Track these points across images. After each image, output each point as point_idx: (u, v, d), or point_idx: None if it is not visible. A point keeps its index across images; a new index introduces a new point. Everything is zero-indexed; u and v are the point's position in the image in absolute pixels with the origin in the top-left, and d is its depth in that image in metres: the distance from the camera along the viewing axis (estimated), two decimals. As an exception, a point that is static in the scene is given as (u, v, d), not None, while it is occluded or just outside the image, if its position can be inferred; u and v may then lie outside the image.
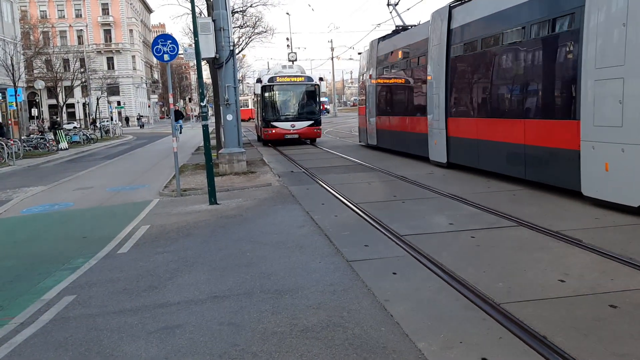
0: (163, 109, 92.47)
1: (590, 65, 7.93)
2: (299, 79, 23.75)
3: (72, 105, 61.18)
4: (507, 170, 10.72)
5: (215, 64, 14.32)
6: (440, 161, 13.59)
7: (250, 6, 24.31)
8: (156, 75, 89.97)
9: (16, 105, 28.14)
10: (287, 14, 76.11)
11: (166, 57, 11.08)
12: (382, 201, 9.68)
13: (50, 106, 61.19)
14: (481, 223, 7.40)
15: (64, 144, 28.83)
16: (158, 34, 15.44)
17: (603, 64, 7.69)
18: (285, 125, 23.05)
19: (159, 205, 10.51)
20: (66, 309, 5.10)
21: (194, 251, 6.88)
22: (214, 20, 13.64)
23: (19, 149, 24.46)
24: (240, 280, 5.58)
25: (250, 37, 27.97)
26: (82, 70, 49.43)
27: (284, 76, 23.79)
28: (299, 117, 23.34)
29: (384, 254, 6.28)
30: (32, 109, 41.64)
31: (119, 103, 63.36)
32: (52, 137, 28.99)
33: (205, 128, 10.91)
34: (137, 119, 66.08)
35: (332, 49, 60.69)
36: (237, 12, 22.92)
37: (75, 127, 43.33)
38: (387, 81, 18.23)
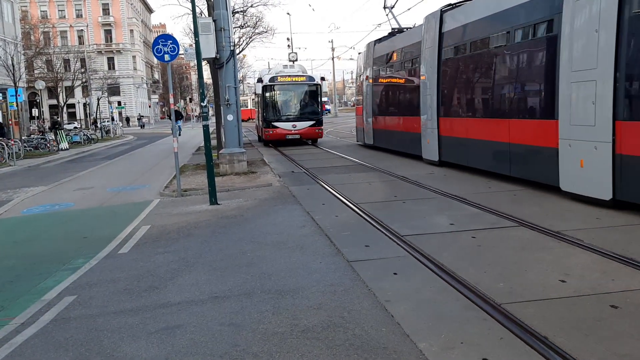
0: (164, 109, 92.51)
1: (567, 68, 8.38)
2: (301, 79, 23.48)
3: (72, 106, 61.12)
4: (493, 168, 11.15)
5: (216, 64, 14.32)
6: (433, 159, 13.89)
7: (251, 6, 24.32)
8: (157, 76, 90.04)
9: (17, 106, 28.12)
10: (288, 14, 76.47)
11: (167, 57, 11.11)
12: (382, 201, 9.67)
13: (51, 106, 61.16)
14: (482, 223, 7.40)
15: (64, 144, 28.84)
16: (159, 34, 15.42)
17: (578, 67, 8.13)
18: (287, 125, 22.85)
19: (159, 205, 10.51)
20: (67, 309, 5.10)
21: (195, 251, 6.88)
22: (214, 21, 13.66)
23: (19, 149, 24.49)
24: (241, 281, 5.58)
25: (250, 37, 27.99)
26: (82, 70, 49.53)
27: (285, 76, 23.49)
28: (300, 117, 23.07)
29: (385, 254, 6.27)
30: (33, 109, 41.72)
31: (119, 103, 63.47)
32: (53, 137, 29.00)
33: (205, 128, 10.91)
34: (138, 119, 66.14)
35: (333, 49, 60.98)
36: (237, 12, 22.91)
37: (75, 128, 43.36)
38: (383, 82, 18.43)
